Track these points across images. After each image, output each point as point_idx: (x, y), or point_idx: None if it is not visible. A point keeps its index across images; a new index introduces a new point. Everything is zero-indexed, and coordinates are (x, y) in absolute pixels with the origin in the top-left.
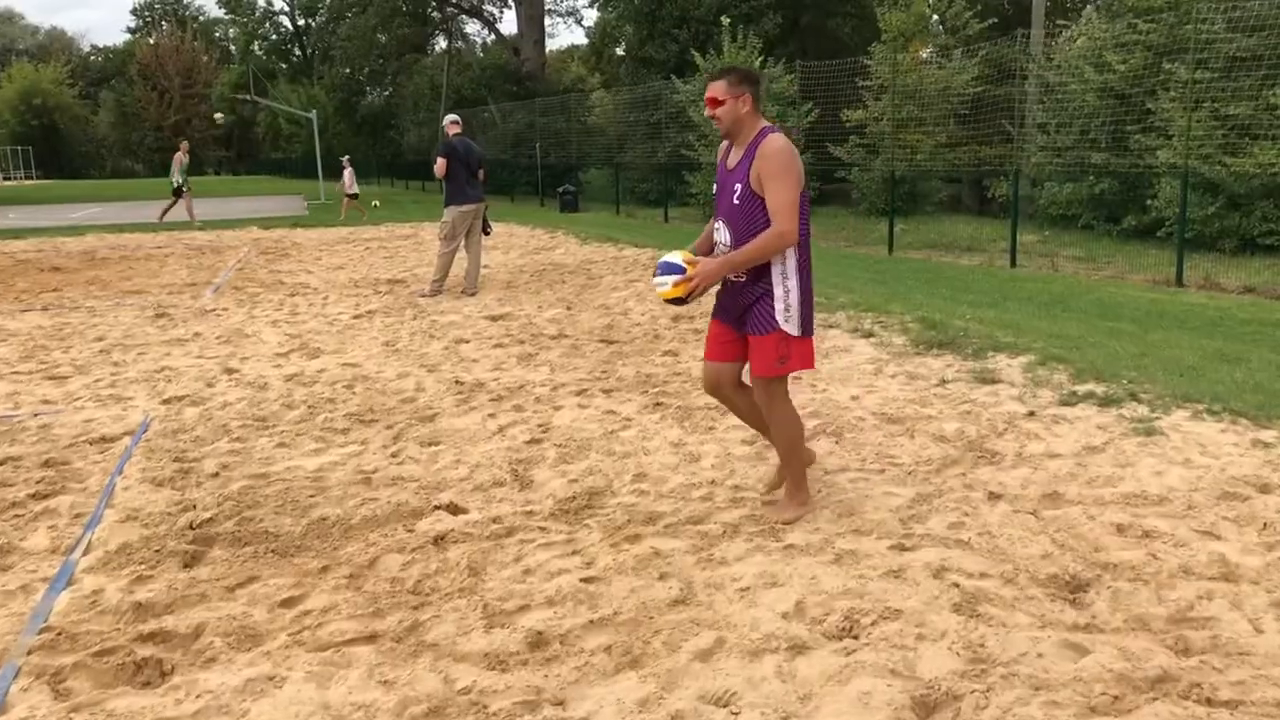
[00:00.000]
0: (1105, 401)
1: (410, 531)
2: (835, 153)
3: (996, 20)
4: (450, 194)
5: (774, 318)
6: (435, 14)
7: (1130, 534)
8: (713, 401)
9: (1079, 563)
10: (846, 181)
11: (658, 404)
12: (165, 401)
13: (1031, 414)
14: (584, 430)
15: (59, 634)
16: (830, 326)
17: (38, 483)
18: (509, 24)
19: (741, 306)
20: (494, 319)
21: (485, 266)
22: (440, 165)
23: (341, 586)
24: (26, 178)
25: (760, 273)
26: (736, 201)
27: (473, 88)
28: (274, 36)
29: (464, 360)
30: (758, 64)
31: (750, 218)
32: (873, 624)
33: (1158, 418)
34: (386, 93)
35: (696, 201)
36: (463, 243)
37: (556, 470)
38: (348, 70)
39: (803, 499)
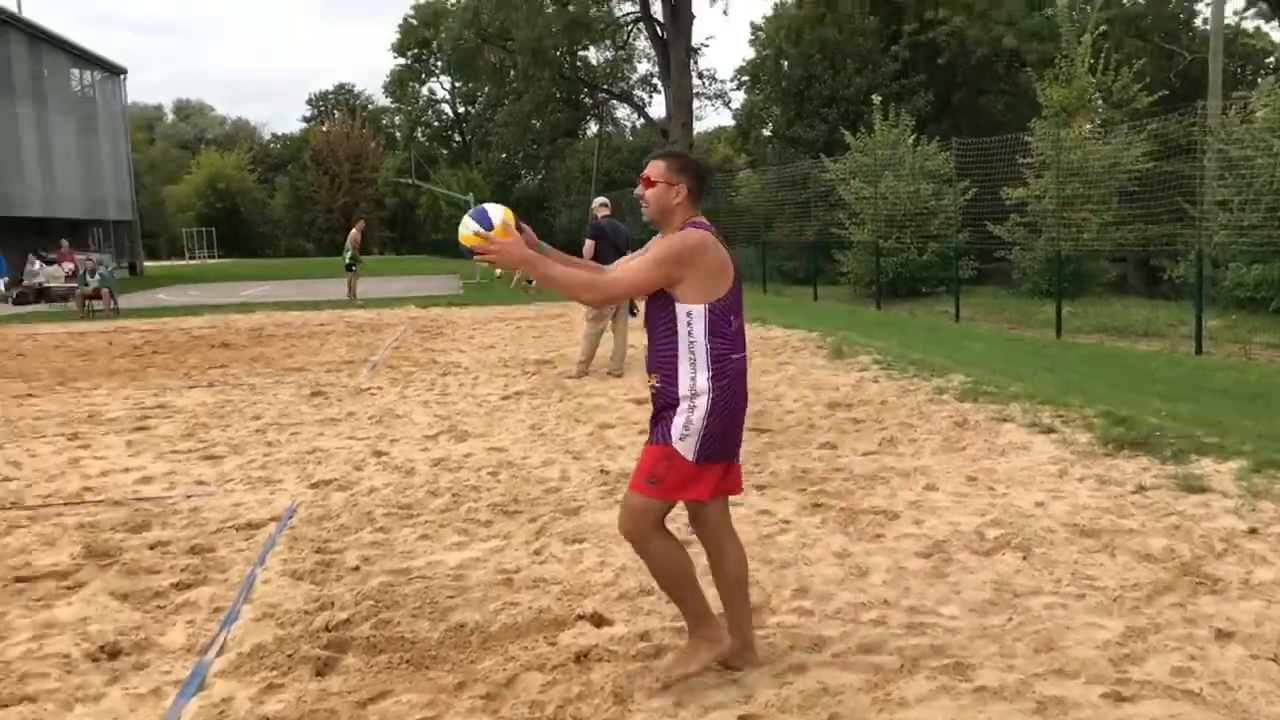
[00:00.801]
0: None
1: (552, 645)
2: (995, 231)
3: (1166, 93)
4: None
5: (670, 432)
6: (587, 100)
7: None
8: (880, 504)
9: None
10: (1005, 261)
11: (817, 505)
12: (313, 485)
13: (1253, 531)
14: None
15: None
16: (1004, 420)
17: (182, 570)
18: (658, 107)
19: (655, 415)
20: (640, 403)
21: (631, 347)
22: (589, 247)
23: (477, 709)
24: (210, 256)
25: (672, 382)
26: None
27: (622, 170)
28: (436, 123)
29: (609, 447)
30: (910, 141)
31: (657, 316)
32: None
33: None
34: (540, 175)
35: (846, 280)
36: (609, 324)
37: (708, 579)
38: (504, 155)
39: (707, 635)
